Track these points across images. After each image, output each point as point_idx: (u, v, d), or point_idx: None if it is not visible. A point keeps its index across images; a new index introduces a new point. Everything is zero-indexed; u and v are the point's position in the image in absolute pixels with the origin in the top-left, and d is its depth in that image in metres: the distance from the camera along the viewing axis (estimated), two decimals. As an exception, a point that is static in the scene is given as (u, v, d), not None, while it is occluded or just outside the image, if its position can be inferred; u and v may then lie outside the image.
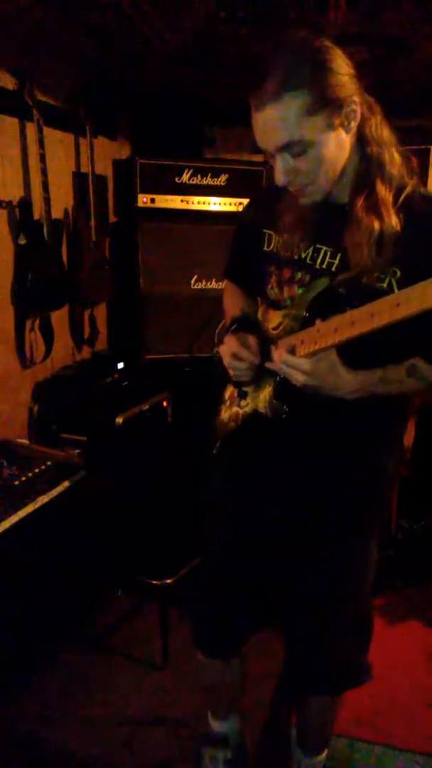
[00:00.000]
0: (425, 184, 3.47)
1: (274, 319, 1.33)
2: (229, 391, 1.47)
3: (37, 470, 2.22)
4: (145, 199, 3.30)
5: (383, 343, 1.08)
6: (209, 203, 3.38)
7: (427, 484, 3.03)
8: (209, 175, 3.36)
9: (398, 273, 1.15)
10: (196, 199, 3.36)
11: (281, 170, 1.15)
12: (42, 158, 2.61)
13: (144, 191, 3.29)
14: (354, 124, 1.15)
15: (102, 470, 2.49)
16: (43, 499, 2.07)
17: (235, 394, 1.42)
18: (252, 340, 1.33)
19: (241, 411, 1.41)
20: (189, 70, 2.87)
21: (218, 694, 1.82)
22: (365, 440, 1.31)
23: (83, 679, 2.23)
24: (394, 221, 1.13)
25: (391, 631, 2.45)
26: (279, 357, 1.17)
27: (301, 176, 1.16)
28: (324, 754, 1.82)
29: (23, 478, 2.15)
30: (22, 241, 2.65)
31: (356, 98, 1.14)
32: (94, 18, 2.28)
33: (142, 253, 3.31)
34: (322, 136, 1.11)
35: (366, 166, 1.17)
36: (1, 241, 2.61)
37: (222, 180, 3.38)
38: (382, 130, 1.20)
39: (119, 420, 2.73)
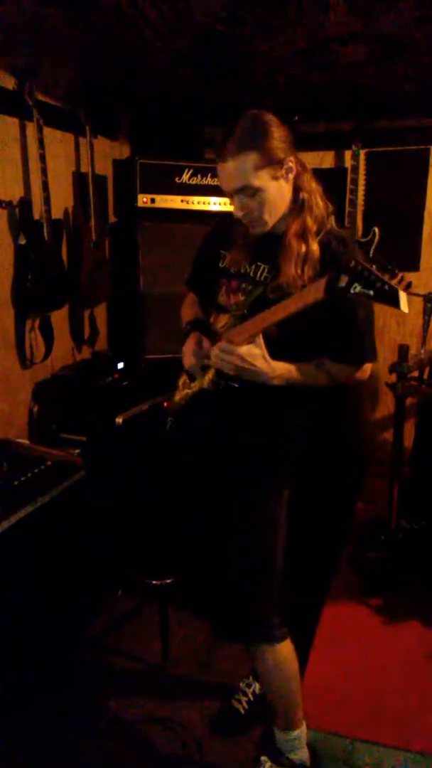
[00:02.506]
0: (425, 183, 3.49)
1: (222, 321, 1.71)
2: (182, 378, 1.89)
3: (37, 470, 2.21)
4: (145, 199, 3.30)
5: (298, 343, 1.52)
6: (209, 203, 3.38)
7: (427, 484, 3.03)
8: (209, 175, 3.36)
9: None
10: (196, 199, 3.36)
11: (237, 207, 1.56)
12: (42, 158, 2.61)
13: (144, 191, 3.29)
14: (291, 177, 1.55)
15: (102, 470, 2.49)
16: (43, 499, 2.07)
17: (187, 380, 1.85)
18: (206, 342, 1.71)
19: (190, 392, 1.81)
20: (189, 70, 2.87)
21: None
22: (274, 415, 1.67)
23: (83, 680, 2.23)
24: (315, 247, 1.52)
25: (391, 631, 2.45)
26: (218, 348, 1.52)
27: (252, 212, 1.55)
28: (296, 732, 1.81)
29: (23, 478, 2.15)
30: (22, 241, 2.65)
31: (292, 158, 1.53)
32: (94, 18, 2.28)
33: (142, 253, 3.31)
34: (268, 185, 1.51)
35: (299, 207, 1.57)
36: (1, 241, 2.61)
37: (222, 180, 3.38)
38: (311, 183, 1.59)
39: (119, 420, 2.73)
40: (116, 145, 3.53)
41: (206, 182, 3.36)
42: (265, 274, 1.61)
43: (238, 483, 1.71)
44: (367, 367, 1.62)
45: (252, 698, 2.11)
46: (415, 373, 2.76)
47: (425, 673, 2.24)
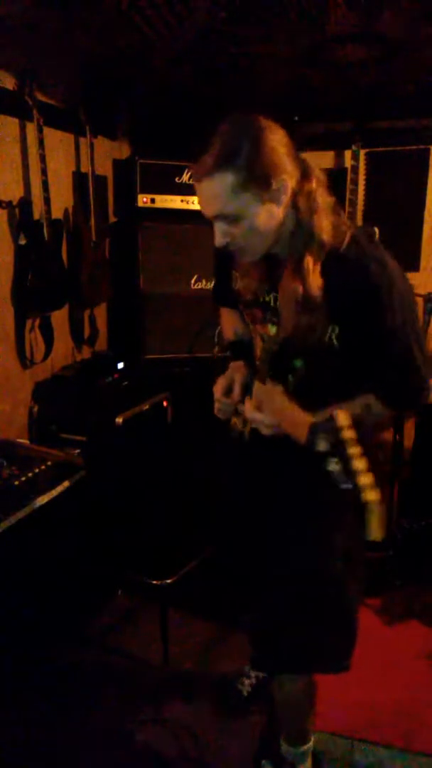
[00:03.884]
0: (425, 183, 3.48)
1: (258, 348, 1.46)
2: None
3: (37, 470, 2.21)
4: (145, 199, 3.30)
5: (337, 387, 1.26)
6: (209, 203, 3.38)
7: (427, 484, 3.03)
8: (209, 175, 3.35)
9: (336, 329, 1.27)
10: (196, 199, 3.35)
11: (218, 234, 1.27)
12: (42, 158, 2.61)
13: (144, 191, 3.29)
14: (284, 197, 1.23)
15: (102, 470, 2.49)
16: (43, 499, 2.07)
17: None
18: (236, 388, 1.49)
19: (239, 425, 1.57)
20: (189, 69, 2.87)
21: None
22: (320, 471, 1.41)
23: (83, 680, 2.23)
24: (315, 283, 1.23)
25: (391, 631, 2.45)
26: (248, 411, 1.34)
27: (237, 240, 1.27)
28: (303, 748, 1.81)
29: (23, 478, 2.15)
30: (22, 241, 2.65)
31: (285, 174, 1.21)
32: (94, 18, 2.28)
33: (142, 253, 3.31)
34: (252, 210, 1.21)
35: (299, 233, 1.26)
36: (1, 241, 2.61)
37: (222, 180, 3.38)
38: (315, 198, 1.26)
39: (119, 420, 2.73)
40: (116, 145, 3.52)
41: (206, 182, 3.36)
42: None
43: (287, 551, 1.52)
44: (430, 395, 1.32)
45: (255, 682, 2.14)
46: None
47: (425, 673, 2.24)
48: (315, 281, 1.23)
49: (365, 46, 2.48)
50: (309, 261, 1.24)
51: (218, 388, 1.53)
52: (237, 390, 1.49)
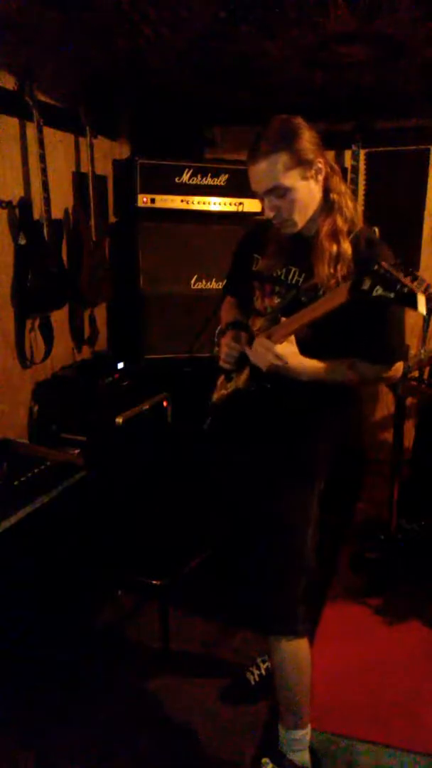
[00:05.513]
0: (425, 183, 3.49)
1: (258, 323, 1.73)
2: (220, 379, 1.90)
3: (37, 470, 2.22)
4: (145, 199, 3.30)
5: (329, 343, 1.55)
6: (209, 203, 3.38)
7: (427, 484, 3.03)
8: (209, 175, 3.36)
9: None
10: (196, 199, 3.36)
11: (267, 208, 1.58)
12: (42, 158, 2.61)
13: (144, 191, 3.29)
14: (321, 178, 1.59)
15: (102, 470, 2.50)
16: (43, 499, 2.07)
17: (224, 380, 1.86)
18: (243, 335, 1.76)
19: (226, 392, 1.84)
20: (189, 69, 2.87)
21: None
22: (308, 412, 1.71)
23: (83, 679, 2.23)
24: (346, 246, 1.55)
25: (391, 631, 2.45)
26: (257, 342, 1.58)
27: (282, 213, 1.58)
28: (301, 732, 1.81)
29: (23, 478, 2.15)
30: (22, 241, 2.65)
31: (321, 160, 1.57)
32: (94, 18, 2.28)
33: (142, 253, 3.32)
34: (298, 185, 1.55)
35: (329, 207, 1.60)
36: (1, 241, 2.61)
37: (222, 180, 3.38)
38: (341, 185, 1.63)
39: (119, 420, 2.73)
40: (116, 145, 3.53)
41: (206, 182, 3.36)
42: (296, 277, 1.65)
43: (273, 481, 1.76)
44: (399, 366, 1.65)
45: (264, 673, 2.18)
46: (415, 373, 2.76)
47: (425, 673, 2.24)
48: (345, 243, 1.55)
49: (365, 46, 2.48)
50: (341, 226, 1.57)
51: (226, 339, 1.79)
52: (243, 337, 1.73)
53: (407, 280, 1.30)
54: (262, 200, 1.59)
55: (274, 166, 1.51)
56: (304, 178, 1.55)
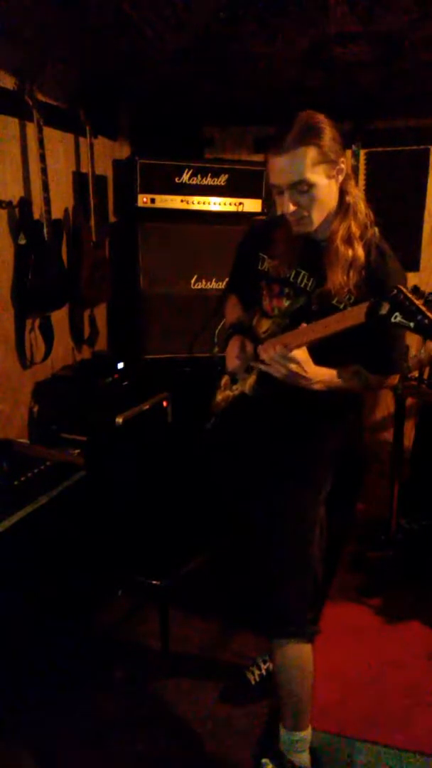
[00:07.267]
0: (425, 183, 3.49)
1: (264, 325, 1.71)
2: (224, 379, 1.87)
3: (37, 470, 2.21)
4: (145, 199, 3.30)
5: (336, 353, 1.53)
6: (209, 203, 3.38)
7: (427, 484, 3.03)
8: (209, 175, 3.36)
9: (352, 298, 1.53)
10: (196, 199, 3.36)
11: (288, 202, 1.52)
12: (42, 158, 2.61)
13: (144, 191, 3.29)
14: (341, 178, 1.56)
15: (102, 470, 2.49)
16: (43, 499, 2.07)
17: (229, 381, 1.84)
18: (249, 346, 1.70)
19: (231, 394, 1.82)
20: (189, 69, 2.87)
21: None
22: (313, 419, 1.71)
23: (83, 680, 2.23)
24: (360, 252, 1.53)
25: (391, 631, 2.45)
26: (271, 353, 1.52)
27: (302, 208, 1.52)
28: (302, 734, 1.80)
29: (23, 478, 2.15)
30: (22, 241, 2.65)
31: (343, 160, 1.54)
32: (95, 18, 2.28)
33: (142, 253, 3.31)
34: (321, 182, 1.50)
35: (344, 210, 1.58)
36: (1, 241, 2.61)
37: (222, 180, 3.38)
38: (354, 188, 1.61)
39: (119, 420, 2.72)
40: (116, 145, 3.53)
41: (206, 182, 3.36)
42: (305, 281, 1.62)
43: (279, 484, 1.75)
44: (396, 375, 1.70)
45: (264, 673, 2.18)
46: (415, 374, 2.76)
47: (425, 673, 2.24)
48: (359, 248, 1.54)
49: (365, 46, 2.48)
50: (355, 230, 1.55)
51: (233, 347, 1.74)
52: (249, 346, 1.70)
53: (425, 308, 1.28)
54: (280, 194, 1.54)
55: (303, 160, 1.47)
56: (329, 176, 1.52)
